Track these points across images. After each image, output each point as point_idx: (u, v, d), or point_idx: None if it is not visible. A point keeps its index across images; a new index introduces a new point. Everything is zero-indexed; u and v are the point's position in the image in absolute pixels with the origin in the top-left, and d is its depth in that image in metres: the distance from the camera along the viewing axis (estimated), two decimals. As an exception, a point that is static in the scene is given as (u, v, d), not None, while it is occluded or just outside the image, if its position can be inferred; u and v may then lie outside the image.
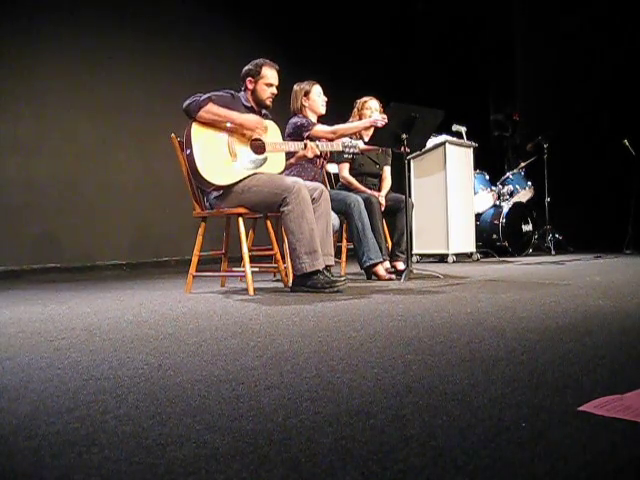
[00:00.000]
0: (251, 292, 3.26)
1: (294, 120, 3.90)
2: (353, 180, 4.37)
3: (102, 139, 5.77)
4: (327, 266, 3.31)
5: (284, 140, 3.63)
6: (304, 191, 3.26)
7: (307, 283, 3.24)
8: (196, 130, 3.28)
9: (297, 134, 3.80)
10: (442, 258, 5.77)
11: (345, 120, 4.24)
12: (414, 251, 5.61)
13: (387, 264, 4.08)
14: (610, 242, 6.38)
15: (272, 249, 3.76)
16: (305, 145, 3.51)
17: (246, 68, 3.55)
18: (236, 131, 3.35)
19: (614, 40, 7.02)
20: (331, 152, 4.10)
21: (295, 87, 4.05)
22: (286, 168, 3.61)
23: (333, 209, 3.67)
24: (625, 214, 6.42)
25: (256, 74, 3.51)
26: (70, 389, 1.35)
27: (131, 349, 1.80)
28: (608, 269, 4.44)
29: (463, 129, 5.92)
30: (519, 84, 8.62)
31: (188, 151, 3.28)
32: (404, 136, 3.83)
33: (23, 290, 4.05)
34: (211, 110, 3.28)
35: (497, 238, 6.37)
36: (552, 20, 7.80)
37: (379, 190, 4.46)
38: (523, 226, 6.55)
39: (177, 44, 6.36)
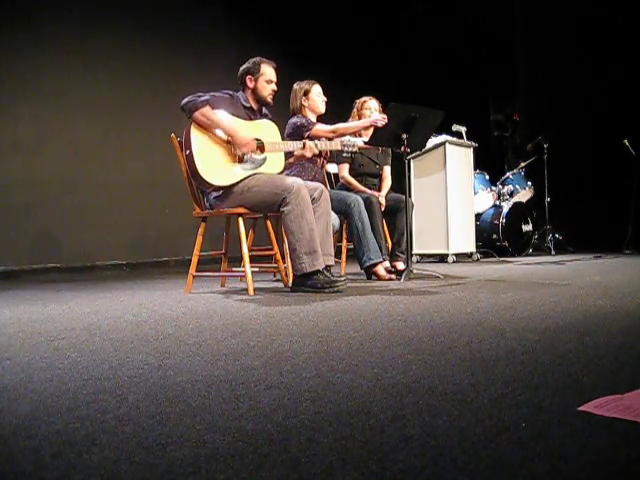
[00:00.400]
0: (251, 292, 3.26)
1: (294, 120, 3.90)
2: (353, 180, 4.37)
3: (102, 139, 5.78)
4: (327, 266, 3.31)
5: (284, 140, 3.63)
6: (304, 191, 3.26)
7: (307, 283, 3.24)
8: (195, 131, 3.29)
9: (297, 134, 3.80)
10: (442, 258, 5.77)
11: (345, 120, 4.24)
12: (414, 251, 5.61)
13: (387, 264, 4.08)
14: (610, 242, 6.38)
15: (272, 249, 3.76)
16: (304, 144, 3.51)
17: (244, 67, 3.55)
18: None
19: (614, 40, 7.02)
20: (331, 152, 4.11)
21: (295, 86, 4.05)
22: (285, 167, 3.61)
23: (333, 209, 3.67)
24: (625, 214, 6.42)
25: (256, 72, 3.51)
26: (70, 389, 1.35)
27: (131, 349, 1.80)
28: (608, 269, 4.44)
29: (463, 129, 5.92)
30: (519, 84, 8.62)
31: (187, 152, 3.28)
32: (404, 136, 3.83)
33: (23, 290, 4.05)
34: (206, 114, 3.27)
35: (497, 238, 6.37)
36: (552, 20, 7.80)
37: (379, 190, 4.46)
38: (523, 226, 6.55)
39: (177, 44, 6.36)
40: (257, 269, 3.97)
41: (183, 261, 5.77)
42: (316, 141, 3.61)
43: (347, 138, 3.72)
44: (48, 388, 1.36)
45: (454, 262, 5.56)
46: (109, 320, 2.44)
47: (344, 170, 4.41)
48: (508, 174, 6.86)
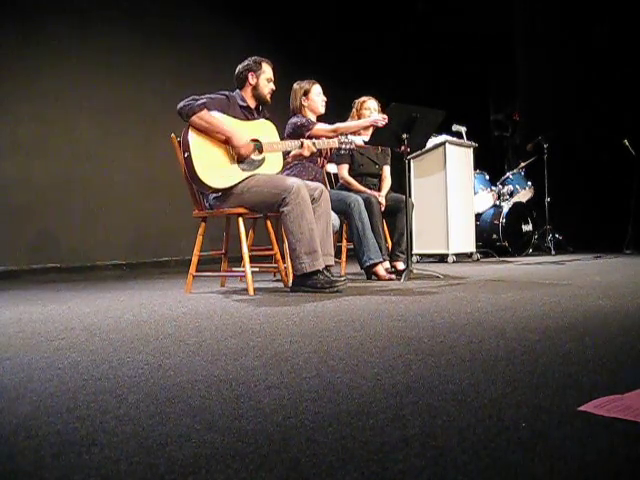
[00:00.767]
0: (251, 292, 3.26)
1: (294, 120, 3.90)
2: (352, 181, 4.37)
3: (102, 139, 5.77)
4: (327, 266, 3.31)
5: (283, 139, 3.63)
6: (304, 191, 3.25)
7: (307, 283, 3.23)
8: (193, 133, 3.27)
9: (298, 134, 3.80)
10: (442, 258, 5.77)
11: (344, 120, 4.24)
12: (414, 251, 5.60)
13: (387, 264, 4.08)
14: (610, 242, 6.38)
15: (272, 249, 3.76)
16: (302, 144, 3.51)
17: (244, 64, 3.54)
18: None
19: (614, 40, 7.02)
20: (331, 152, 4.11)
21: (295, 86, 4.05)
22: (284, 167, 3.61)
23: (333, 209, 3.67)
24: (625, 214, 6.42)
25: (258, 69, 3.51)
26: (70, 389, 1.35)
27: (131, 349, 1.80)
28: (608, 269, 4.44)
29: (463, 129, 5.92)
30: (519, 84, 8.62)
31: (186, 154, 3.27)
32: (404, 136, 3.83)
33: (23, 290, 4.05)
34: (204, 117, 3.26)
35: (497, 238, 6.37)
36: (552, 20, 7.80)
37: (379, 190, 4.46)
38: (523, 226, 6.55)
39: (177, 44, 6.37)
40: (257, 269, 3.97)
41: (183, 261, 5.77)
42: (314, 140, 3.61)
43: (344, 136, 3.72)
44: (48, 388, 1.36)
45: (454, 262, 5.56)
46: (109, 320, 2.44)
47: (344, 170, 4.41)
48: (508, 174, 6.87)
